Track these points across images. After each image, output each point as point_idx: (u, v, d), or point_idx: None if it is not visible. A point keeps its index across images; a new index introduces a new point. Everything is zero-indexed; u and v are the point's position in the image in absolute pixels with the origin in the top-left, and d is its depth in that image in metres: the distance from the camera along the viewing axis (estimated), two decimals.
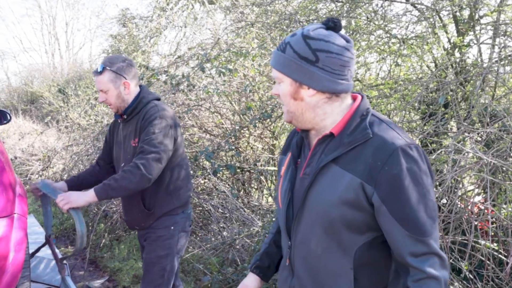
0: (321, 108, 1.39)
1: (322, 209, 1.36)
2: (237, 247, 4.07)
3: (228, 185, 5.34)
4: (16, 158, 7.99)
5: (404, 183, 1.27)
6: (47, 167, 6.66)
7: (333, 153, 1.37)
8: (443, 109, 3.76)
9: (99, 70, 2.54)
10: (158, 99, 2.66)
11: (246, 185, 5.53)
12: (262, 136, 5.64)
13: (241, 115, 5.51)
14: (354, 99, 1.45)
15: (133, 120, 2.60)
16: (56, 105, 11.55)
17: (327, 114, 1.40)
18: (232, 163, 5.17)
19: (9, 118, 3.95)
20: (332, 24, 1.36)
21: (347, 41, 1.38)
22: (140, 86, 2.68)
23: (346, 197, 1.31)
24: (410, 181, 1.27)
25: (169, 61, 6.52)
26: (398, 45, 4.13)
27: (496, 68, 3.37)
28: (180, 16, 8.27)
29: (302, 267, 1.43)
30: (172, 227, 2.65)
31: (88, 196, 2.39)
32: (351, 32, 4.27)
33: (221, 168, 4.86)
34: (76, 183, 2.77)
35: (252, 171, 5.35)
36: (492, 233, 2.95)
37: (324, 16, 4.61)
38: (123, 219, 2.84)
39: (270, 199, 5.59)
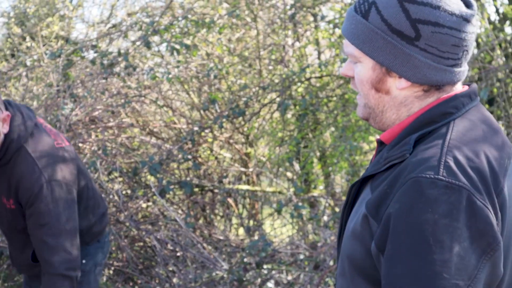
0: (408, 106, 1.37)
1: (344, 241, 1.40)
2: None
3: (182, 210, 5.34)
4: None
5: (396, 229, 1.22)
6: None
7: (370, 168, 1.39)
8: (486, 106, 3.84)
9: None
10: (31, 134, 2.61)
11: (208, 211, 5.54)
12: (231, 141, 5.67)
13: (202, 111, 5.53)
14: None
15: (1, 173, 2.59)
16: None
17: (410, 112, 1.37)
18: (188, 179, 5.18)
19: None
20: None
21: (468, 5, 1.33)
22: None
23: (355, 228, 1.33)
24: (405, 229, 1.21)
25: (100, 31, 6.50)
26: None
27: None
28: None
29: None
30: (83, 261, 2.78)
31: None
32: None
33: (172, 187, 4.85)
34: None
35: (216, 190, 5.37)
36: None
37: None
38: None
39: (241, 230, 5.61)
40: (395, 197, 1.22)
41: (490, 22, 4.14)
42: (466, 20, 1.30)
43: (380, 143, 1.43)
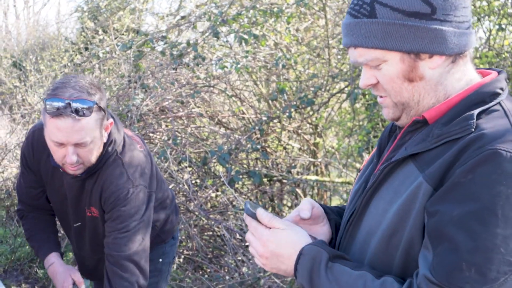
0: (443, 84, 1.36)
1: (376, 222, 1.39)
2: None
3: (251, 200, 5.33)
4: None
5: (466, 195, 1.22)
6: None
7: (415, 147, 1.35)
8: None
9: (83, 109, 2.19)
10: (124, 143, 2.50)
11: (276, 201, 5.52)
12: (299, 131, 5.63)
13: (270, 101, 5.50)
14: (483, 76, 1.42)
15: (87, 181, 2.47)
16: (9, 84, 11.73)
17: (446, 90, 1.37)
18: (257, 169, 5.16)
19: None
20: None
21: None
22: None
23: (408, 203, 1.31)
24: (477, 196, 1.21)
25: (169, 23, 6.55)
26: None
27: None
28: None
29: None
30: (160, 260, 2.75)
31: None
32: None
33: (241, 176, 4.84)
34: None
35: (284, 181, 5.34)
36: None
37: None
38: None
39: None
40: (467, 166, 1.22)
41: None
42: None
43: (418, 122, 1.39)
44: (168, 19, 7.12)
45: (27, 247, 5.63)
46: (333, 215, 1.65)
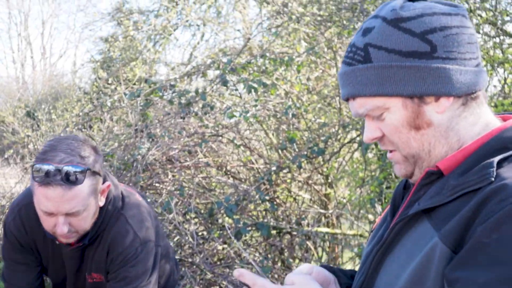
0: (455, 129, 1.24)
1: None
2: None
3: (259, 253, 5.22)
4: None
5: (494, 259, 1.06)
6: (2, 221, 6.68)
7: (429, 201, 1.21)
8: None
9: (76, 173, 2.00)
10: (122, 197, 2.35)
11: (286, 255, 5.39)
12: (310, 182, 5.52)
13: (280, 151, 5.43)
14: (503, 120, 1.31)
15: (87, 248, 2.32)
16: (21, 134, 11.82)
17: (459, 136, 1.25)
18: (265, 221, 5.05)
19: None
20: None
21: (455, 6, 1.24)
22: None
23: (421, 269, 1.16)
24: (506, 261, 1.05)
25: (180, 73, 6.56)
26: None
27: None
28: (197, 11, 8.40)
29: None
30: None
31: None
32: None
33: (249, 229, 4.73)
34: None
35: (294, 233, 5.21)
36: None
37: None
38: None
39: None
40: (489, 223, 1.07)
41: None
42: (464, 16, 1.23)
43: (432, 174, 1.25)
44: (179, 68, 7.16)
45: None
46: (345, 279, 1.50)
